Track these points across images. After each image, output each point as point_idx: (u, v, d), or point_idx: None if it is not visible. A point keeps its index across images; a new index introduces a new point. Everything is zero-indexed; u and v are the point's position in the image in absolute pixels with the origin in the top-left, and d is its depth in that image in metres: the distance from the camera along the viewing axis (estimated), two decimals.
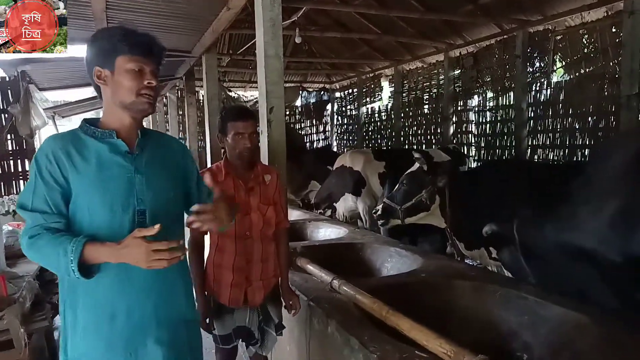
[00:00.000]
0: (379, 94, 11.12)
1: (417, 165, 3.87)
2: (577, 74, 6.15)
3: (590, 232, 2.33)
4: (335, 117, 13.20)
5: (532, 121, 6.87)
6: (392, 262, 3.19)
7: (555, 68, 6.59)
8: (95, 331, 1.43)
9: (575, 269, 2.45)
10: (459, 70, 8.16)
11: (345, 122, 12.76)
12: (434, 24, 7.68)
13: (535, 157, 6.80)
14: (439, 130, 8.85)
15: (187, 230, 2.18)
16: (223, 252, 2.16)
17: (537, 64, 6.79)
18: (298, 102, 12.90)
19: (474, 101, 8.15)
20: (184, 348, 1.58)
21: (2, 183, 6.58)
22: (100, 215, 1.40)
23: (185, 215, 1.72)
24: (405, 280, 2.60)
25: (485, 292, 2.39)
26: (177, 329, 1.55)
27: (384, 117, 10.79)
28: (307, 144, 12.57)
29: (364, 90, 11.53)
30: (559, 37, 6.32)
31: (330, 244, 3.57)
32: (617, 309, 2.24)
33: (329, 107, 13.30)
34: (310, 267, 2.72)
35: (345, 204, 5.96)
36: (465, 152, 7.92)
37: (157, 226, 1.29)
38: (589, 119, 6.05)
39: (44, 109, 6.59)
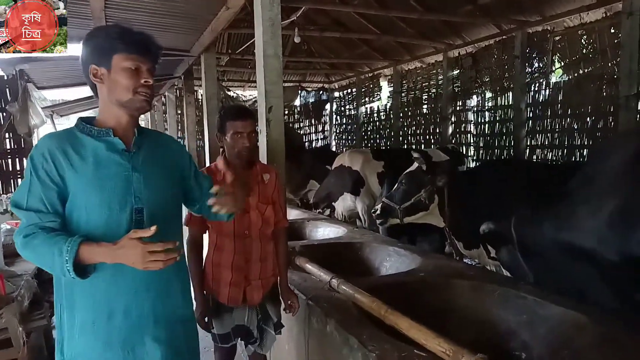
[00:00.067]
0: (377, 94, 11.12)
1: (416, 165, 3.88)
2: (575, 74, 6.16)
3: (588, 231, 2.33)
4: (334, 116, 13.21)
5: (530, 121, 6.88)
6: (391, 261, 3.19)
7: (554, 68, 6.60)
8: (93, 330, 1.43)
9: (573, 268, 2.46)
10: (458, 71, 8.17)
11: (344, 121, 12.76)
12: (433, 24, 7.68)
13: (534, 157, 6.82)
14: (437, 130, 8.86)
15: (185, 229, 2.19)
16: (222, 251, 2.16)
17: (536, 65, 6.80)
18: (297, 102, 12.90)
19: (473, 101, 8.16)
20: (182, 346, 1.58)
21: (0, 182, 6.58)
22: (98, 213, 1.40)
23: (184, 216, 1.72)
24: (404, 280, 2.60)
25: (483, 291, 2.39)
26: (174, 327, 1.55)
27: (382, 117, 10.79)
28: (306, 143, 12.57)
29: (363, 90, 11.53)
30: (557, 38, 6.33)
31: (329, 243, 3.57)
32: (615, 308, 2.24)
33: (327, 106, 13.30)
34: (309, 266, 2.72)
35: (344, 203, 5.97)
36: (464, 152, 7.93)
37: (153, 228, 1.29)
38: (588, 119, 6.07)
39: (42, 108, 6.59)
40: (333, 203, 6.17)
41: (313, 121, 13.24)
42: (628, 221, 2.18)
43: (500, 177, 3.48)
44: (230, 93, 11.17)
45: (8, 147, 6.63)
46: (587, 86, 5.96)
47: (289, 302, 2.28)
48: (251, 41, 7.42)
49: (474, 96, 8.07)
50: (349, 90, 12.31)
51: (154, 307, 1.49)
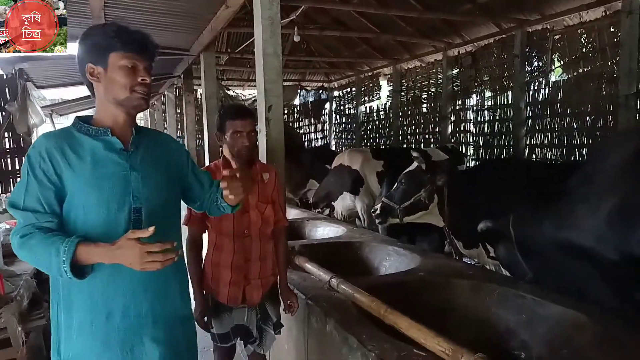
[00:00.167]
0: (377, 93, 11.12)
1: (415, 164, 3.88)
2: (575, 73, 6.15)
3: (587, 230, 2.33)
4: (334, 116, 13.20)
5: (530, 120, 6.88)
6: (391, 260, 3.19)
7: (553, 67, 6.59)
8: (91, 331, 1.42)
9: (572, 266, 2.46)
10: (458, 70, 8.16)
11: (344, 121, 12.76)
12: (433, 23, 7.68)
13: (533, 156, 6.82)
14: (437, 129, 8.86)
15: (184, 229, 2.19)
16: (221, 251, 2.16)
17: (536, 64, 6.80)
18: (296, 101, 12.90)
19: (472, 100, 8.15)
20: (180, 346, 1.58)
21: None
22: (96, 213, 1.39)
23: (182, 215, 1.72)
24: (403, 279, 2.60)
25: (483, 290, 2.40)
26: (173, 327, 1.55)
27: (382, 116, 10.79)
28: (306, 142, 12.57)
29: (363, 89, 11.53)
30: (557, 37, 6.32)
31: (328, 243, 3.57)
32: (615, 307, 2.24)
33: (327, 105, 13.29)
34: (309, 266, 2.72)
35: (344, 202, 5.96)
36: (464, 151, 7.93)
37: (151, 229, 1.28)
38: (587, 118, 6.06)
39: (41, 107, 6.58)
40: (332, 202, 6.16)
41: (312, 120, 13.23)
42: (627, 220, 2.18)
43: (499, 176, 3.48)
44: (230, 92, 11.17)
45: (7, 146, 6.63)
46: (587, 85, 5.95)
47: (288, 301, 2.28)
48: (251, 40, 7.41)
49: (474, 95, 8.06)
50: (349, 90, 12.31)
51: (152, 307, 1.49)
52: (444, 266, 2.78)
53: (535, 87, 6.78)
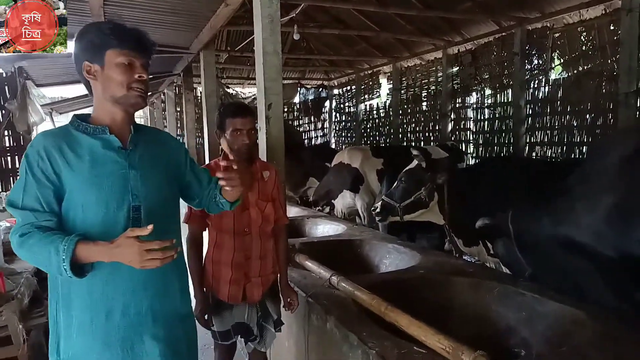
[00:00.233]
0: (377, 91, 11.11)
1: (415, 162, 3.87)
2: (575, 71, 6.15)
3: (586, 227, 2.33)
4: (334, 114, 13.20)
5: (530, 118, 6.88)
6: (391, 258, 3.20)
7: (553, 65, 6.59)
8: (91, 330, 1.42)
9: (570, 262, 2.46)
10: (457, 68, 8.16)
11: (344, 119, 12.75)
12: (432, 21, 7.67)
13: (533, 154, 6.82)
14: (437, 127, 8.86)
15: (184, 227, 2.19)
16: (222, 249, 2.16)
17: (535, 62, 6.79)
18: (296, 99, 12.89)
19: (472, 98, 8.15)
20: (181, 344, 1.58)
21: None
22: (95, 212, 1.39)
23: (182, 212, 1.72)
24: (403, 277, 2.61)
25: (483, 288, 2.40)
26: (173, 324, 1.55)
27: (382, 114, 10.79)
28: (306, 141, 12.57)
29: (362, 87, 11.52)
30: (557, 35, 6.32)
31: (328, 241, 3.57)
32: (615, 306, 2.25)
33: (327, 104, 13.29)
34: (309, 264, 2.72)
35: (344, 200, 5.96)
36: (464, 149, 7.93)
37: (150, 226, 1.27)
38: (587, 116, 6.07)
39: (41, 105, 6.58)
40: (332, 200, 6.16)
41: (312, 118, 13.23)
42: (625, 218, 2.18)
43: (499, 174, 3.48)
44: (230, 90, 11.16)
45: (7, 144, 6.63)
46: (587, 83, 5.95)
47: (289, 299, 2.29)
48: (250, 38, 7.40)
49: (474, 93, 8.06)
50: (348, 88, 12.30)
51: (152, 305, 1.48)
52: (444, 264, 2.78)
53: (535, 85, 6.78)
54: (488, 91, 7.75)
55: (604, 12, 5.64)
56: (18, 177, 1.42)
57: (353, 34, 8.93)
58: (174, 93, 10.52)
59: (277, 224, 2.29)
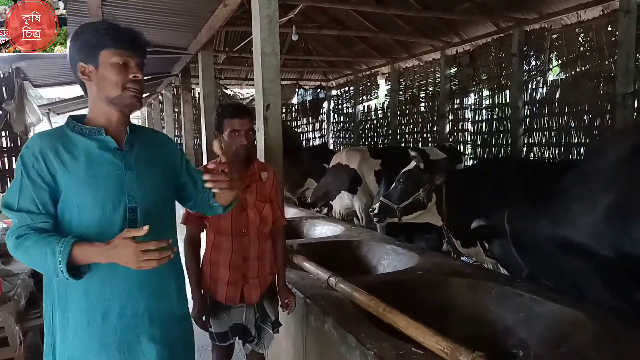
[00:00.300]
0: (375, 92, 11.12)
1: (413, 163, 3.88)
2: (572, 72, 6.16)
3: (582, 227, 2.33)
4: (332, 115, 13.20)
5: (528, 119, 6.89)
6: (389, 259, 3.20)
7: (551, 66, 6.60)
8: (87, 331, 1.41)
9: (567, 261, 2.46)
10: (456, 69, 8.17)
11: (342, 120, 12.76)
12: (431, 22, 7.68)
13: (531, 155, 6.83)
14: (435, 128, 8.86)
15: (183, 228, 2.19)
16: (219, 250, 2.16)
17: (533, 63, 6.80)
18: (294, 100, 12.89)
19: (470, 99, 8.16)
20: (178, 345, 1.57)
21: None
22: (91, 213, 1.38)
23: (178, 214, 1.71)
24: (401, 278, 2.61)
25: (481, 289, 2.40)
26: (170, 326, 1.54)
27: (380, 115, 10.79)
28: (304, 141, 12.56)
29: (361, 88, 11.52)
30: (555, 36, 6.33)
31: (326, 242, 3.57)
32: (613, 306, 2.25)
33: (325, 105, 13.29)
34: (307, 265, 2.72)
35: (342, 201, 5.96)
36: (462, 150, 7.93)
37: (145, 227, 1.27)
38: (585, 117, 6.07)
39: (38, 106, 6.56)
40: (330, 201, 6.16)
41: (310, 119, 13.23)
42: (621, 217, 2.18)
43: (497, 175, 3.49)
44: (228, 91, 11.17)
45: (4, 145, 6.61)
46: (584, 84, 5.96)
47: (286, 300, 2.28)
48: (249, 39, 7.39)
49: (472, 94, 8.07)
50: (347, 89, 12.30)
51: (149, 306, 1.48)
52: (442, 265, 2.78)
53: (533, 86, 6.78)
54: (486, 92, 7.76)
55: (601, 13, 5.65)
56: (13, 179, 1.41)
57: (351, 35, 8.93)
58: (171, 94, 10.52)
59: (275, 225, 2.29)
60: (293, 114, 13.02)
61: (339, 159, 6.14)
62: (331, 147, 12.36)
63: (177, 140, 9.64)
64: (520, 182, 3.20)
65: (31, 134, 6.34)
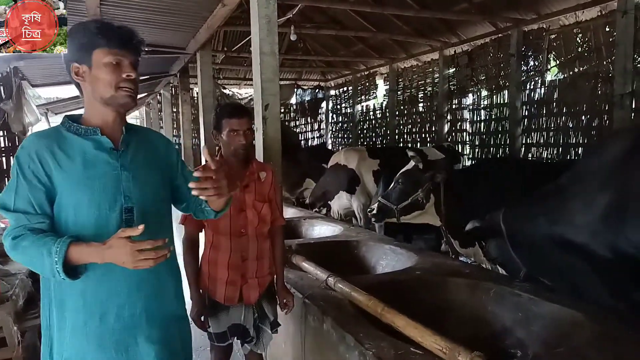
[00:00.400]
0: (373, 92, 11.12)
1: (412, 163, 3.88)
2: (570, 72, 6.18)
3: (579, 225, 2.33)
4: (330, 115, 13.20)
5: (526, 120, 6.90)
6: (387, 259, 3.20)
7: (549, 67, 6.62)
8: (85, 332, 1.41)
9: (565, 261, 2.46)
10: (454, 69, 8.18)
11: (340, 120, 12.76)
12: (429, 22, 7.69)
13: (529, 155, 6.84)
14: (433, 129, 8.87)
15: (180, 228, 2.18)
16: (218, 250, 2.16)
17: (532, 63, 6.81)
18: (293, 100, 12.89)
19: (469, 99, 8.17)
20: (175, 345, 1.57)
21: None
22: (87, 213, 1.38)
23: (175, 213, 1.70)
24: (400, 278, 2.61)
25: (479, 289, 2.40)
26: (167, 326, 1.54)
27: (378, 115, 10.80)
28: (302, 142, 12.56)
29: (359, 88, 11.53)
30: (553, 36, 6.35)
31: (325, 242, 3.57)
32: (611, 306, 2.25)
33: (323, 105, 13.29)
34: (306, 265, 2.72)
35: (340, 201, 5.97)
36: (460, 150, 7.94)
37: (141, 226, 1.26)
38: (583, 117, 6.09)
39: (36, 106, 6.55)
40: (329, 202, 6.17)
41: (309, 119, 13.23)
42: (619, 217, 2.18)
43: (495, 175, 3.49)
44: (226, 91, 11.15)
45: (2, 145, 6.59)
46: (582, 84, 5.98)
47: (284, 300, 2.28)
48: (247, 39, 7.40)
49: (470, 94, 8.09)
50: (345, 89, 12.31)
51: (147, 306, 1.47)
52: (440, 265, 2.78)
53: (531, 87, 6.80)
54: (484, 92, 7.77)
55: (599, 13, 5.67)
56: (10, 179, 1.40)
57: (350, 35, 8.94)
58: (170, 94, 10.50)
59: (273, 225, 2.28)
60: (292, 114, 13.02)
61: (337, 159, 6.15)
62: (330, 147, 12.37)
63: (175, 141, 9.63)
64: (519, 183, 3.21)
65: (29, 134, 6.34)
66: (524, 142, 6.91)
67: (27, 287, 3.12)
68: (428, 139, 9.01)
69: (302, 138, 12.89)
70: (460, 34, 7.73)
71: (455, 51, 8.06)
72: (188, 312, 1.76)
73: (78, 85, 1.47)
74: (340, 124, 12.77)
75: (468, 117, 8.16)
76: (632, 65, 5.08)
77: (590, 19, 5.79)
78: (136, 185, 1.45)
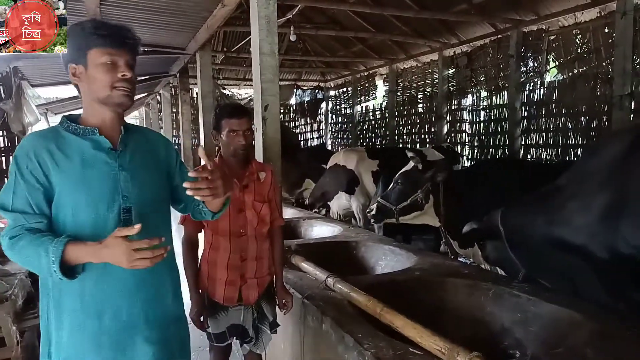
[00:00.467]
0: (373, 93, 11.14)
1: (411, 164, 3.88)
2: (570, 73, 6.19)
3: (578, 226, 2.34)
4: (330, 115, 13.21)
5: (525, 120, 6.91)
6: (386, 260, 3.20)
7: (548, 68, 6.63)
8: (82, 332, 1.40)
9: (563, 261, 2.47)
10: (453, 70, 8.19)
11: (340, 120, 12.77)
12: (428, 23, 7.70)
13: (529, 156, 6.85)
14: (432, 129, 8.88)
15: (181, 228, 2.18)
16: (217, 250, 2.16)
17: (531, 64, 6.83)
18: (292, 101, 12.90)
19: (468, 100, 8.19)
20: (174, 345, 1.57)
21: None
22: (85, 213, 1.37)
23: (174, 213, 1.70)
24: (399, 278, 2.61)
25: (478, 289, 2.40)
26: (165, 327, 1.53)
27: (378, 116, 10.81)
28: (302, 142, 12.57)
29: (359, 88, 11.54)
30: (552, 37, 6.36)
31: (324, 242, 3.57)
32: (609, 305, 2.26)
33: (323, 105, 13.30)
34: (305, 265, 2.72)
35: (339, 202, 5.97)
36: (459, 151, 7.95)
37: (137, 226, 1.25)
38: (582, 118, 6.10)
39: (36, 106, 6.55)
40: (328, 202, 6.17)
41: (308, 120, 13.24)
42: (617, 217, 2.19)
43: (495, 176, 3.50)
44: (226, 91, 11.16)
45: (2, 145, 6.59)
46: (582, 85, 5.99)
47: (284, 300, 2.28)
48: (247, 39, 7.40)
49: (469, 95, 8.10)
50: (345, 89, 12.32)
51: (145, 307, 1.47)
52: (439, 265, 2.78)
53: (531, 88, 6.81)
54: (483, 93, 7.79)
55: (598, 14, 5.68)
56: (7, 179, 1.40)
57: (349, 36, 8.95)
58: (169, 94, 10.51)
59: (273, 225, 2.29)
60: (291, 114, 13.03)
61: (336, 160, 6.15)
62: (329, 147, 12.37)
63: (175, 141, 9.63)
64: (518, 183, 3.21)
65: (28, 134, 6.33)
66: (523, 143, 6.92)
67: (26, 287, 3.12)
68: (427, 140, 9.02)
69: (302, 138, 12.90)
70: (460, 35, 7.74)
71: (454, 52, 8.07)
72: (187, 313, 1.76)
73: (77, 86, 1.47)
74: (339, 125, 12.78)
75: (467, 118, 8.17)
76: (631, 67, 5.09)
77: (590, 20, 5.81)
78: (134, 185, 1.44)
